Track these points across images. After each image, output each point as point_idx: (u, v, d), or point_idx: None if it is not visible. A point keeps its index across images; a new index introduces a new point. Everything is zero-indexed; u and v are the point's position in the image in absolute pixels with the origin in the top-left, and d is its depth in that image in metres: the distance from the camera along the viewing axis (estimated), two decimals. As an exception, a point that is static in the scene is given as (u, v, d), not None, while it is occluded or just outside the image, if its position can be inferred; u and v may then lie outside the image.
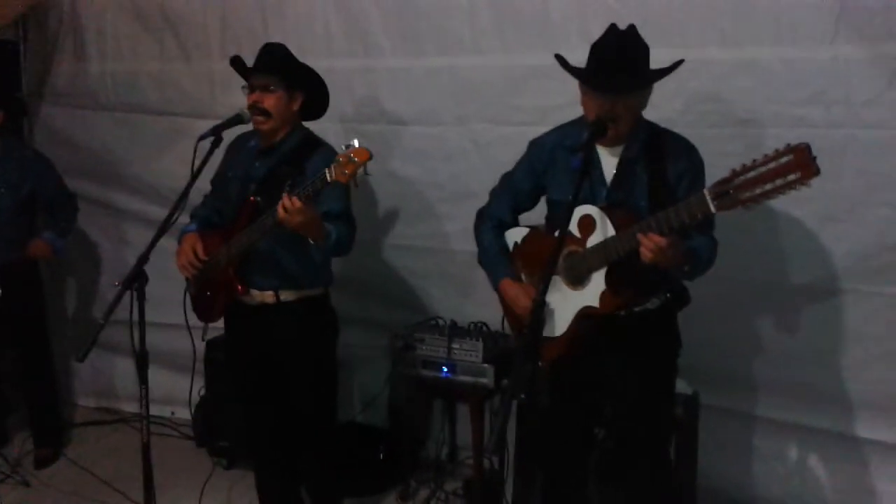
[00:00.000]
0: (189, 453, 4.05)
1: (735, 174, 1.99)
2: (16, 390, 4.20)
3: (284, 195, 2.53)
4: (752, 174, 1.96)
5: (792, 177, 1.90)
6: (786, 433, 3.12)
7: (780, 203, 2.80)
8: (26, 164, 3.94)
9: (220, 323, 3.13)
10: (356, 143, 2.44)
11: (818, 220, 2.88)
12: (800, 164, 1.89)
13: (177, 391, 4.15)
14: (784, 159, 1.91)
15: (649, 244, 2.16)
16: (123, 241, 4.49)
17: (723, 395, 3.19)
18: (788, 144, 1.92)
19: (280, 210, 2.53)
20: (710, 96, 2.96)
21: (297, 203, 2.51)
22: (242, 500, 3.53)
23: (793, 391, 3.06)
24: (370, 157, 2.43)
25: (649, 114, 2.53)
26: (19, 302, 3.79)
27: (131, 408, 4.54)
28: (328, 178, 2.47)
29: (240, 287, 2.87)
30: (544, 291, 2.08)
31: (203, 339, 3.22)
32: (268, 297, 2.91)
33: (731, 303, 3.07)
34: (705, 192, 2.05)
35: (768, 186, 1.93)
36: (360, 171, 2.44)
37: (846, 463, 3.02)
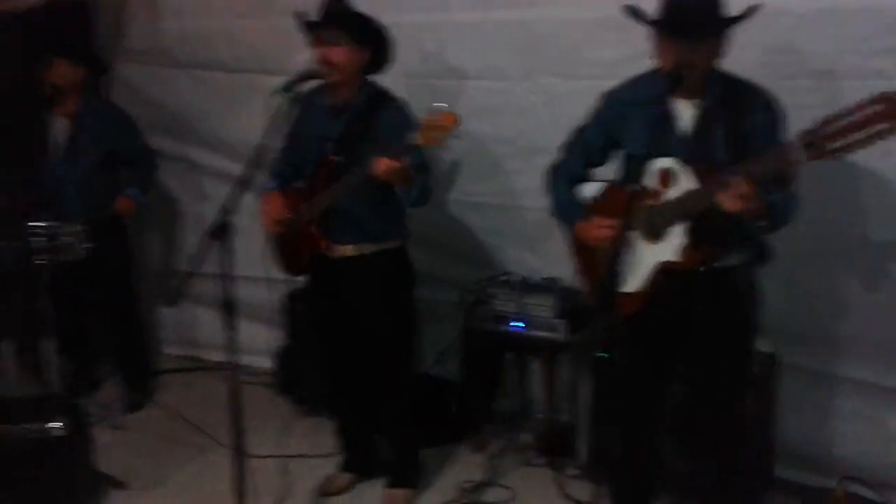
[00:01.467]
0: (271, 401, 4.18)
1: (823, 122, 1.93)
2: (106, 339, 4.38)
3: (384, 159, 2.61)
4: (839, 123, 1.90)
5: (881, 126, 1.84)
6: (866, 393, 3.05)
7: (861, 156, 2.72)
8: (109, 120, 4.08)
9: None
10: (444, 106, 2.48)
11: (900, 176, 2.78)
12: (889, 113, 1.83)
13: (258, 341, 4.31)
14: (872, 109, 1.85)
15: (735, 192, 2.11)
16: (202, 196, 4.62)
17: (802, 354, 3.14)
18: (882, 92, 1.84)
19: (380, 170, 2.62)
20: (786, 47, 2.86)
21: (394, 163, 2.60)
22: (323, 447, 3.64)
23: (874, 350, 2.99)
24: (458, 123, 2.47)
25: (723, 65, 2.44)
26: (107, 254, 3.91)
27: (214, 356, 4.68)
28: (416, 141, 2.53)
29: (323, 243, 2.96)
30: (621, 243, 2.07)
31: (284, 292, 3.34)
32: (349, 250, 3.00)
33: (812, 259, 3.00)
34: (794, 140, 2.00)
35: (856, 136, 1.87)
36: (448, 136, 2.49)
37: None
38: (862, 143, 1.89)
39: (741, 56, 2.70)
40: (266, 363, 4.31)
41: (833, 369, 3.11)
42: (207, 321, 4.69)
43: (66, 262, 3.50)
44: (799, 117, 2.10)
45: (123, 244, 4.26)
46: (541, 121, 3.42)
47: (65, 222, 3.54)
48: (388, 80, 3.09)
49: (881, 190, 2.83)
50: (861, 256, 2.96)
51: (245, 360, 4.31)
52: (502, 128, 3.56)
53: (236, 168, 4.19)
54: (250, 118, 4.03)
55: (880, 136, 1.85)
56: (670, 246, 2.37)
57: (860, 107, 1.87)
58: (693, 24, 2.27)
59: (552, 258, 3.35)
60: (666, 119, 2.36)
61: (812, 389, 3.17)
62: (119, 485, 3.41)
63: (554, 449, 3.48)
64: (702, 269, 2.40)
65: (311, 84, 2.96)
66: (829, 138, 1.92)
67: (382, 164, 2.61)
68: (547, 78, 3.42)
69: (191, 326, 4.84)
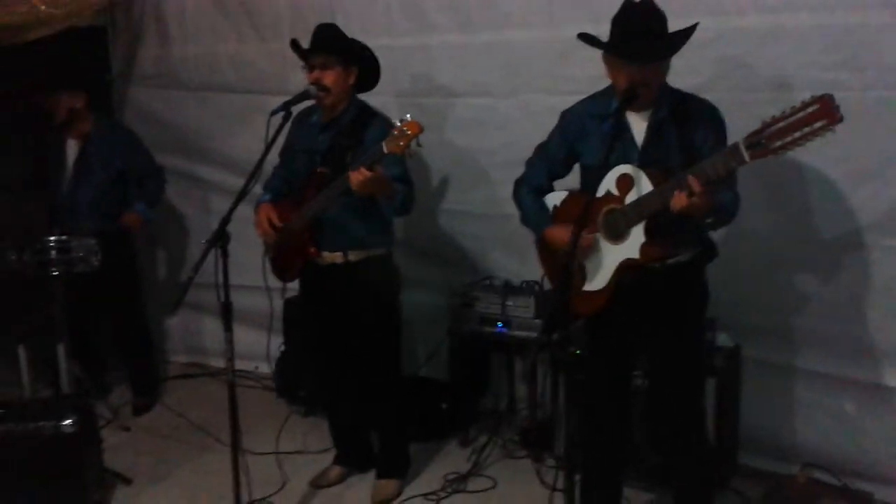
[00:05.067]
0: (271, 403, 4.38)
1: (766, 125, 2.16)
2: (115, 347, 4.60)
3: (353, 170, 2.81)
4: (781, 124, 2.13)
5: (818, 124, 2.07)
6: (825, 383, 3.22)
7: (815, 163, 2.95)
8: (117, 141, 4.31)
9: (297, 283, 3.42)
10: (409, 116, 2.71)
11: (852, 180, 2.97)
12: (825, 112, 2.06)
13: (259, 348, 4.49)
14: (810, 109, 2.08)
15: (687, 193, 2.30)
16: (208, 210, 4.85)
17: (764, 348, 3.32)
18: (813, 95, 2.08)
19: (353, 182, 2.82)
20: (746, 62, 3.06)
21: (367, 173, 2.80)
22: (318, 444, 3.84)
23: (830, 343, 3.17)
24: (421, 130, 2.69)
25: (688, 80, 2.64)
26: (115, 266, 4.05)
27: (219, 363, 4.87)
28: (384, 150, 2.75)
29: (313, 250, 3.17)
30: (575, 242, 2.25)
31: (282, 299, 3.54)
32: (337, 257, 3.19)
33: (770, 259, 3.20)
34: (739, 142, 2.21)
35: (797, 134, 2.10)
36: (413, 143, 2.70)
37: (883, 412, 3.11)
38: (802, 140, 2.11)
39: (705, 70, 2.93)
40: (267, 368, 4.50)
41: (793, 361, 3.28)
42: (211, 329, 4.90)
43: (78, 274, 3.66)
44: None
45: (131, 257, 4.49)
46: (523, 134, 3.53)
47: (78, 236, 3.70)
48: (380, 99, 3.33)
49: (833, 194, 3.02)
50: (815, 254, 3.14)
51: (247, 365, 4.57)
52: (487, 141, 3.78)
53: (240, 183, 4.39)
54: (253, 136, 4.28)
55: (817, 133, 2.08)
56: (631, 245, 2.56)
57: (798, 109, 2.11)
58: (645, 48, 2.46)
59: (533, 262, 3.53)
60: (621, 131, 2.56)
61: (774, 381, 3.34)
62: (125, 480, 3.62)
63: (535, 442, 3.66)
64: (657, 265, 2.59)
65: (307, 103, 3.19)
66: (772, 137, 2.15)
67: (355, 176, 2.83)
68: (529, 94, 3.63)
69: (196, 335, 5.07)
